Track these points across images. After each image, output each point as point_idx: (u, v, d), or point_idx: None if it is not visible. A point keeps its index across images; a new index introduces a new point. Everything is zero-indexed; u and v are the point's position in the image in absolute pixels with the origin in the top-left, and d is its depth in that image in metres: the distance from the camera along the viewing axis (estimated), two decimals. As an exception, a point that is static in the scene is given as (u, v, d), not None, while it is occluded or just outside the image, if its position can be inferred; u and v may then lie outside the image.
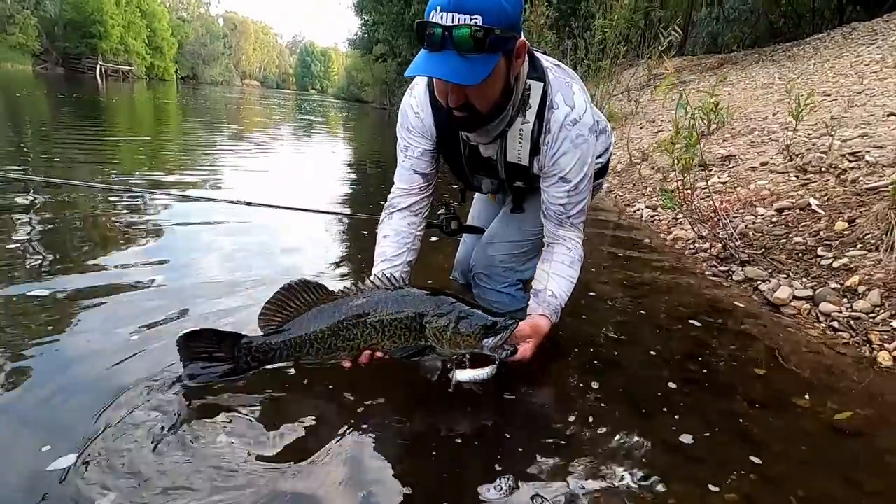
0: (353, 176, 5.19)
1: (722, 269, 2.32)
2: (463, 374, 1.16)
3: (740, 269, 2.26)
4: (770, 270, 2.18)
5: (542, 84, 1.26)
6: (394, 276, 1.19)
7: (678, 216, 3.11)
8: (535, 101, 1.26)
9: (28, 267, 1.85)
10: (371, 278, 1.19)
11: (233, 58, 71.11)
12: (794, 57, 7.56)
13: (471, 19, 1.01)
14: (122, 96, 16.38)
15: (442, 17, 1.03)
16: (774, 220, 2.63)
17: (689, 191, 2.57)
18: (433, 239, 2.23)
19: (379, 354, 1.15)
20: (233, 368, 1.14)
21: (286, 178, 4.70)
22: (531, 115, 1.26)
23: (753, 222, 2.69)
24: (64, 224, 2.39)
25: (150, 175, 3.88)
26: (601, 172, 1.71)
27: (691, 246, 2.70)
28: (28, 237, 2.16)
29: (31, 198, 2.77)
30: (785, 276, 2.11)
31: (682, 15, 15.18)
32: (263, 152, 6.45)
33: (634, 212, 3.67)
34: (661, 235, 2.99)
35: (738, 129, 4.19)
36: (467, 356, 1.16)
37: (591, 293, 2.01)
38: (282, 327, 1.15)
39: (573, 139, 1.27)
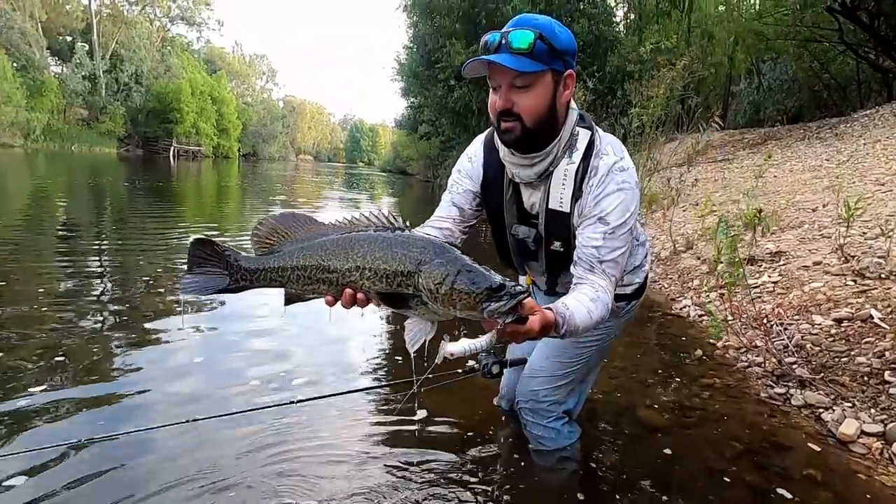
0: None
1: (778, 390, 2.19)
2: (454, 346, 1.01)
3: (799, 391, 2.13)
4: (833, 396, 2.04)
5: (590, 133, 1.34)
6: (394, 217, 1.09)
7: (727, 312, 3.01)
8: (581, 146, 1.33)
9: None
10: (369, 215, 1.09)
11: (289, 136, 77.21)
12: (841, 135, 7.44)
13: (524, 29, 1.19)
14: (189, 180, 17.95)
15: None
16: (833, 332, 2.50)
17: (736, 303, 2.51)
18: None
19: (361, 297, 1.05)
20: (226, 286, 1.11)
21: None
22: (577, 156, 1.32)
23: (810, 332, 2.57)
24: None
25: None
26: (636, 294, 1.68)
27: (743, 357, 2.59)
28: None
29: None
30: (850, 404, 1.97)
31: (721, 92, 15.40)
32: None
33: (681, 309, 3.57)
34: (710, 341, 2.88)
35: (786, 222, 4.09)
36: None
37: (637, 420, 1.94)
38: (272, 251, 1.11)
39: (619, 183, 1.29)
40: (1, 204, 7.80)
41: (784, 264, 3.40)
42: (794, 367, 2.31)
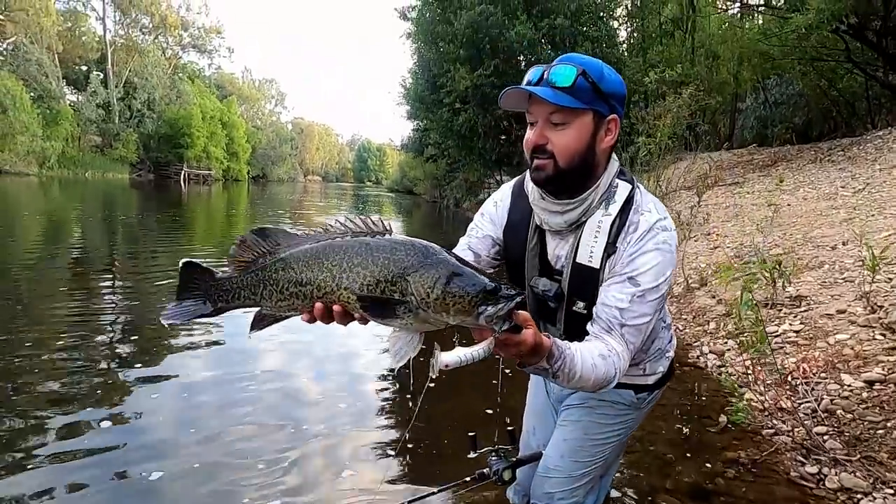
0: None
1: (810, 469, 2.04)
2: (449, 356, 0.90)
3: (833, 472, 1.98)
4: (872, 479, 1.89)
5: (629, 187, 1.24)
6: (373, 221, 0.99)
7: (750, 367, 2.86)
8: (620, 198, 1.22)
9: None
10: (345, 220, 1.00)
11: (298, 157, 78.15)
12: (854, 158, 7.28)
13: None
14: (199, 207, 18.13)
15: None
16: (865, 395, 2.35)
17: (758, 368, 2.37)
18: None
19: (338, 309, 0.94)
20: (206, 310, 1.05)
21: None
22: (614, 209, 1.22)
23: (840, 395, 2.42)
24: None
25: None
26: (659, 384, 1.57)
27: (769, 423, 2.44)
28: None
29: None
30: (891, 490, 1.82)
31: (728, 108, 15.33)
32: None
33: (697, 357, 3.42)
34: (733, 400, 2.73)
35: (805, 261, 3.95)
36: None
37: (658, 508, 1.81)
38: (247, 268, 1.03)
39: (658, 243, 1.17)
40: (16, 233, 7.87)
41: (805, 311, 3.25)
42: (825, 438, 2.16)
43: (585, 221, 1.23)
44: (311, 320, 0.99)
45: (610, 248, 1.20)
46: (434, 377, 0.92)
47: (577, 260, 1.24)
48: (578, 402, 1.48)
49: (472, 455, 1.40)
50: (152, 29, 44.00)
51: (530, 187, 1.31)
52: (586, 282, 1.24)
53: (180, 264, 1.05)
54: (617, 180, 1.25)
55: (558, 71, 1.13)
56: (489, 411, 2.29)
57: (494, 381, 2.58)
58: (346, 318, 0.97)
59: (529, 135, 1.20)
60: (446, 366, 0.90)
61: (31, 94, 30.68)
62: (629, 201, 1.23)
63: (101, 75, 38.16)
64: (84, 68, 39.11)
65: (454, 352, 0.91)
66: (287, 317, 1.03)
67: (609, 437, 1.45)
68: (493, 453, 1.43)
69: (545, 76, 1.14)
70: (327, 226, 0.99)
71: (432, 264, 0.90)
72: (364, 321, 0.97)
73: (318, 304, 0.96)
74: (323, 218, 16.08)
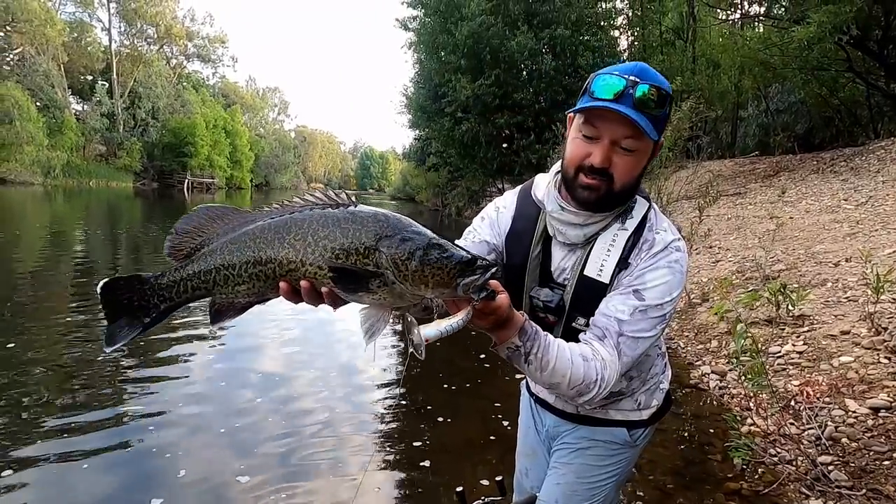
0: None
1: (814, 503, 1.99)
2: (429, 330, 0.87)
3: (838, 505, 1.93)
4: (877, 515, 1.84)
5: (647, 204, 1.21)
6: (336, 193, 0.94)
7: (752, 394, 2.82)
8: (637, 215, 1.19)
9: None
10: (305, 195, 0.94)
11: (301, 165, 78.48)
12: (857, 170, 7.24)
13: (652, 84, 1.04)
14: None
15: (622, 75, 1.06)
16: (870, 423, 2.30)
17: (760, 395, 2.33)
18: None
19: (305, 284, 0.88)
20: (151, 318, 0.95)
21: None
22: (631, 224, 1.18)
23: (844, 422, 2.37)
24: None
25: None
26: (654, 418, 1.51)
27: (773, 450, 2.39)
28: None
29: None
30: (897, 527, 1.77)
31: (729, 116, 15.32)
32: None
33: (700, 377, 3.37)
34: (734, 425, 2.68)
35: (808, 278, 3.90)
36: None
37: (658, 546, 1.76)
38: (190, 256, 0.94)
39: (670, 262, 1.14)
40: (21, 244, 7.88)
41: (808, 331, 3.20)
42: (830, 468, 2.12)
43: (599, 234, 1.20)
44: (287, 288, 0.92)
45: (623, 264, 1.17)
46: (422, 359, 0.88)
47: (585, 272, 1.20)
48: (570, 443, 1.43)
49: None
50: (157, 39, 44.42)
51: (545, 196, 1.26)
52: (591, 296, 1.19)
53: (98, 290, 0.93)
54: (636, 196, 1.21)
55: (649, 94, 1.04)
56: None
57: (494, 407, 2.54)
58: (314, 296, 0.91)
59: (586, 151, 1.11)
60: (427, 340, 0.87)
61: (37, 104, 30.95)
62: (644, 219, 1.20)
63: (107, 85, 38.50)
64: (89, 78, 39.46)
65: (433, 325, 0.88)
66: (248, 304, 0.94)
67: (604, 479, 1.41)
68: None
69: (628, 91, 1.05)
70: (283, 201, 0.93)
71: (409, 235, 0.87)
72: (334, 303, 0.91)
73: (283, 283, 0.91)
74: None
